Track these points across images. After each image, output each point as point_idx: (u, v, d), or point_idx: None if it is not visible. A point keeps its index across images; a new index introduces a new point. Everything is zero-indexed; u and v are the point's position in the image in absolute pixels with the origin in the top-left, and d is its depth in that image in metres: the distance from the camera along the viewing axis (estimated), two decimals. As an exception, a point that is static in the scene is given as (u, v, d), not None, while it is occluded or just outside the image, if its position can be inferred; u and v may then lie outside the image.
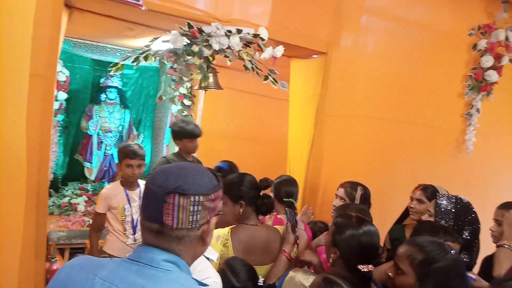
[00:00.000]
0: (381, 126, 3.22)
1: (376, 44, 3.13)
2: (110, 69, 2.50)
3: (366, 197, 2.47)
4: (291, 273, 1.70)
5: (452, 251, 1.44)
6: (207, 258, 1.44)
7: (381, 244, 2.49)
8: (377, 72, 3.11)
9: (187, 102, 4.38)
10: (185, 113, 4.36)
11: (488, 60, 3.30)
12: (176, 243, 0.90)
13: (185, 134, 2.85)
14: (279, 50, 2.51)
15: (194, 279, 0.93)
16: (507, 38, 3.29)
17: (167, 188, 0.87)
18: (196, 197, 0.89)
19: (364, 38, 3.09)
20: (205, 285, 0.93)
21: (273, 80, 2.59)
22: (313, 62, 3.09)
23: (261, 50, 2.52)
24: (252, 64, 2.54)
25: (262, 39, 2.47)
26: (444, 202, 2.09)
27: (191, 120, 2.97)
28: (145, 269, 0.87)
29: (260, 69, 2.60)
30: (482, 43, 3.28)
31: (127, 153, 2.46)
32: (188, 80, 4.27)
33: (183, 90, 4.37)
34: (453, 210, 2.05)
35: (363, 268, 1.55)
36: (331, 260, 1.64)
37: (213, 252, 1.46)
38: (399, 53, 3.16)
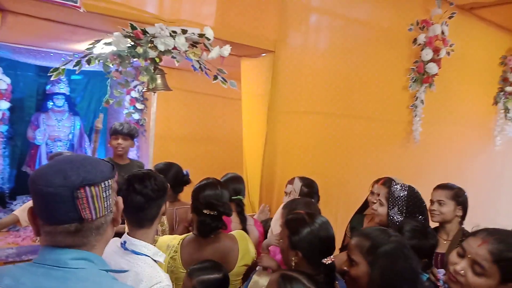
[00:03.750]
0: (332, 121, 3.30)
1: (322, 42, 3.21)
2: (51, 74, 2.39)
3: (313, 191, 2.52)
4: (255, 277, 1.68)
5: (395, 235, 1.45)
6: (155, 261, 1.42)
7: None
8: (325, 68, 3.19)
9: (139, 105, 4.28)
10: (138, 117, 4.27)
11: (427, 54, 3.46)
12: (95, 233, 0.89)
13: (110, 131, 2.89)
14: (226, 50, 2.51)
15: (110, 270, 0.91)
16: (443, 32, 3.47)
17: (73, 185, 0.84)
18: (106, 182, 0.89)
19: (310, 36, 3.16)
20: (123, 271, 0.95)
21: (222, 80, 2.59)
22: (262, 60, 3.12)
23: (208, 50, 2.51)
24: (200, 64, 2.52)
25: (208, 39, 2.46)
26: (398, 189, 2.16)
27: (127, 121, 3.00)
28: (52, 271, 0.84)
29: (209, 69, 2.58)
30: (421, 38, 3.44)
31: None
32: (140, 83, 4.19)
33: (134, 93, 4.27)
34: (405, 197, 2.13)
35: (327, 261, 1.56)
36: (293, 264, 1.59)
37: (160, 254, 1.44)
38: (345, 50, 3.25)
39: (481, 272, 1.25)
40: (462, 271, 1.29)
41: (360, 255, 1.44)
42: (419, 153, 3.82)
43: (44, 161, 4.54)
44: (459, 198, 2.26)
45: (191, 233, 1.91)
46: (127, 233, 1.44)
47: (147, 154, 4.26)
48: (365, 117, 3.46)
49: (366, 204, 2.56)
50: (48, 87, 4.71)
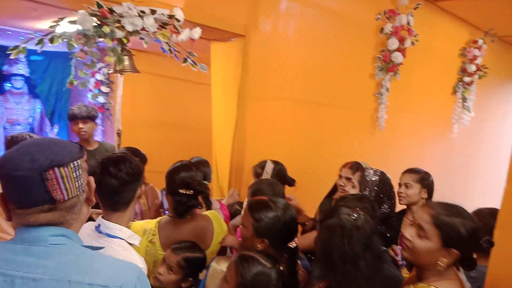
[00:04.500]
0: (302, 108, 3.34)
1: (292, 29, 3.21)
2: (9, 53, 2.26)
3: (283, 174, 2.57)
4: (213, 265, 1.70)
5: (348, 214, 1.44)
6: (130, 244, 1.41)
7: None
8: (296, 55, 3.20)
9: (104, 88, 4.15)
10: (104, 100, 4.13)
11: (393, 43, 3.55)
12: (70, 213, 0.89)
13: (68, 117, 2.87)
14: (197, 32, 2.47)
15: (86, 246, 0.92)
16: (408, 23, 3.58)
17: (41, 167, 0.83)
18: (75, 163, 0.88)
19: (282, 23, 3.16)
20: (99, 248, 0.95)
21: (192, 63, 2.55)
22: (233, 44, 3.09)
23: (177, 32, 2.46)
24: (170, 46, 2.47)
25: (178, 20, 2.41)
26: (370, 174, 2.26)
27: (83, 104, 2.96)
28: (33, 247, 0.84)
29: (178, 52, 2.54)
30: (388, 27, 3.52)
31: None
32: (105, 65, 4.05)
33: (99, 76, 4.13)
34: (377, 181, 2.23)
35: (292, 244, 1.61)
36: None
37: (135, 237, 1.44)
38: (315, 37, 3.28)
39: (424, 235, 1.35)
40: (410, 237, 1.38)
41: (319, 228, 1.52)
42: (384, 139, 3.96)
43: (2, 145, 4.33)
44: (425, 181, 2.38)
45: (165, 216, 1.92)
46: (102, 217, 1.42)
47: (113, 139, 4.14)
48: (334, 104, 3.52)
49: (335, 188, 2.63)
50: (5, 67, 4.45)
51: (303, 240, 1.76)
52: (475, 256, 1.39)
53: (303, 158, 3.37)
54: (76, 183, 0.88)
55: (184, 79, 4.45)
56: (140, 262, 1.35)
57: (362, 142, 3.81)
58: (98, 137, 4.33)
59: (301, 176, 3.22)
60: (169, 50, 2.47)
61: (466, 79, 4.63)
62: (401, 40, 3.58)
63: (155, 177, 2.61)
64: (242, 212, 2.43)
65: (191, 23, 2.61)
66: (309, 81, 3.31)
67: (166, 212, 2.06)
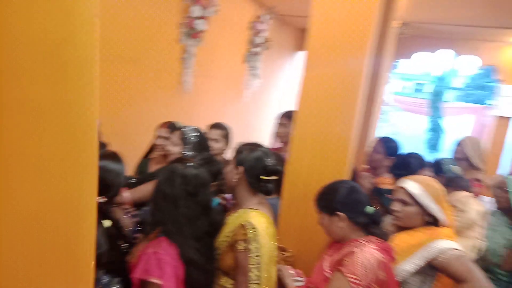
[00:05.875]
0: (110, 67, 3.24)
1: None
2: None
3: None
4: None
5: (182, 164, 1.71)
6: None
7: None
8: (107, 13, 3.05)
9: None
10: None
11: (196, 10, 3.80)
12: None
13: None
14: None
15: None
16: (209, -8, 3.87)
17: None
18: None
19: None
20: None
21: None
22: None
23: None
24: None
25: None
26: (189, 132, 2.49)
27: None
28: None
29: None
30: (192, -6, 3.73)
31: None
32: None
33: None
34: (196, 137, 2.49)
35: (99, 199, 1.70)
36: None
37: None
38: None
39: (230, 163, 1.86)
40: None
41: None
42: (189, 101, 4.26)
43: None
44: (228, 136, 2.82)
45: None
46: None
47: None
48: (140, 65, 3.55)
49: (152, 149, 2.76)
50: None
51: (135, 192, 1.86)
52: (265, 178, 1.82)
53: (112, 119, 3.32)
54: None
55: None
56: None
57: (169, 104, 4.00)
58: None
59: (112, 139, 3.19)
60: None
61: (254, 50, 5.37)
62: (204, 8, 3.85)
63: None
64: None
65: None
66: (116, 39, 3.23)
67: None
